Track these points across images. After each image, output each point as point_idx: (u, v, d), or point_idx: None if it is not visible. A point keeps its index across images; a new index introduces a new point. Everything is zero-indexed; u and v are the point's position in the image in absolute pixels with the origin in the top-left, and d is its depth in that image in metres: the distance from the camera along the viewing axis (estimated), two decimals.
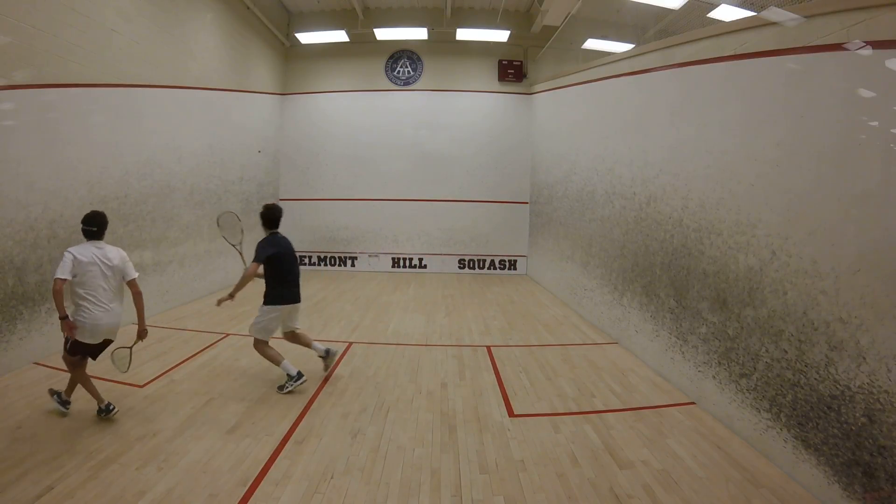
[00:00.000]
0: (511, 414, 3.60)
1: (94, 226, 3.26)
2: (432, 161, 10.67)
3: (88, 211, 3.34)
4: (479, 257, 10.71)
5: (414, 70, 10.71)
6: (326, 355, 4.16)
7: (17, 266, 4.22)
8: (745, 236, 3.30)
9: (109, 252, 3.27)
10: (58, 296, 2.97)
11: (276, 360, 3.93)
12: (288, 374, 3.87)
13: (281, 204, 10.63)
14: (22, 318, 4.26)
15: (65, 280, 3.01)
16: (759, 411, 3.09)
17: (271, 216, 4.03)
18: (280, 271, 3.93)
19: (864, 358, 2.36)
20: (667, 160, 4.48)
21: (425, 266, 10.66)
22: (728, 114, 3.59)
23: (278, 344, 4.15)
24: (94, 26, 5.08)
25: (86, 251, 3.16)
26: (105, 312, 3.18)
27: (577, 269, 7.04)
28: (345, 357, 4.81)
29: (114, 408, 3.30)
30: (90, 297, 3.12)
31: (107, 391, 3.74)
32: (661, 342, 4.45)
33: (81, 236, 3.26)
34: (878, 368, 2.28)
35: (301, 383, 3.86)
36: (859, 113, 2.51)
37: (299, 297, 4.12)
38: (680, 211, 4.19)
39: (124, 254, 3.37)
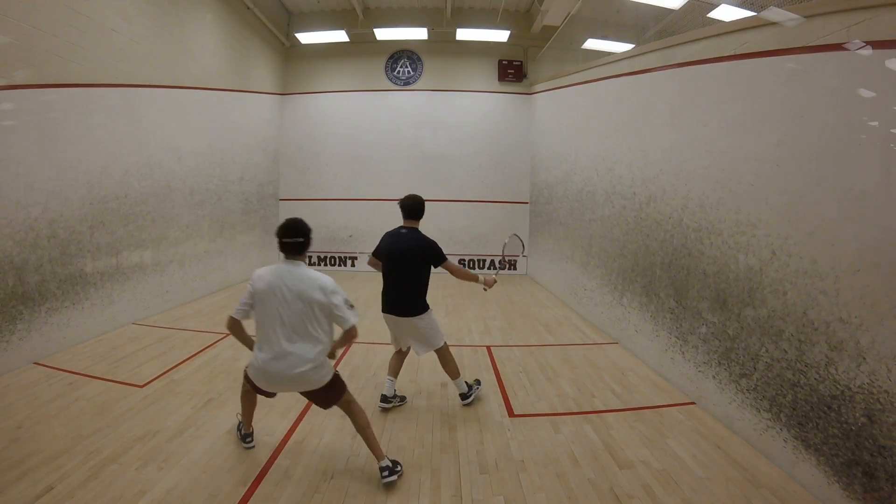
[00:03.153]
0: (511, 414, 3.60)
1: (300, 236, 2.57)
2: (432, 161, 10.67)
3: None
4: (479, 257, 10.71)
5: (414, 70, 10.71)
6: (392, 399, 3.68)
7: (17, 266, 4.22)
8: (745, 236, 3.30)
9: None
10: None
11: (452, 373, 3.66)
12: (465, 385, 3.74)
13: (285, 204, 10.79)
14: (22, 318, 4.26)
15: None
16: (759, 411, 3.09)
17: (403, 205, 3.51)
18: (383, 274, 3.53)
19: (864, 358, 2.36)
20: (667, 160, 4.48)
21: None
22: (728, 114, 3.59)
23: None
24: (94, 26, 5.08)
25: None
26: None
27: (577, 269, 7.04)
28: (345, 357, 4.81)
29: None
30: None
31: (106, 391, 3.77)
32: (661, 342, 4.44)
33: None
34: (878, 368, 2.28)
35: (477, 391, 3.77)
36: (859, 113, 2.50)
37: (393, 308, 3.47)
38: (680, 211, 4.19)
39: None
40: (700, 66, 4.02)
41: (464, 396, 3.70)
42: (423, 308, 3.48)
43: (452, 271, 3.52)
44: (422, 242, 3.44)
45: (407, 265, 3.42)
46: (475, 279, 3.60)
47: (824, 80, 2.71)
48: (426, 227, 3.57)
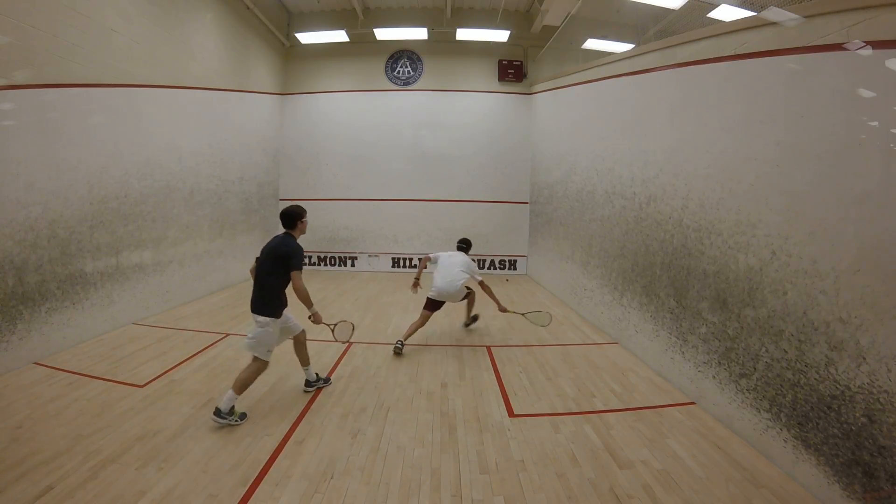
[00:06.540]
0: (511, 414, 3.60)
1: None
2: (432, 161, 10.67)
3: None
4: (479, 257, 10.70)
5: (414, 70, 10.71)
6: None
7: (17, 266, 4.22)
8: (745, 236, 3.30)
9: None
10: None
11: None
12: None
13: (286, 204, 10.71)
14: (22, 318, 4.26)
15: None
16: (759, 411, 3.09)
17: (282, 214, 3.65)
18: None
19: (864, 358, 2.36)
20: (667, 160, 4.48)
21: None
22: (728, 114, 3.59)
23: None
24: (94, 26, 5.08)
25: None
26: None
27: (577, 269, 7.04)
28: (345, 357, 4.81)
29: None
30: None
31: (106, 391, 3.77)
32: (661, 342, 4.44)
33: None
34: (878, 368, 2.28)
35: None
36: (859, 113, 2.51)
37: (253, 306, 3.50)
38: (680, 211, 4.19)
39: None
40: (700, 66, 4.02)
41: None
42: None
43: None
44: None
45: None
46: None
47: (824, 80, 2.71)
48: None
